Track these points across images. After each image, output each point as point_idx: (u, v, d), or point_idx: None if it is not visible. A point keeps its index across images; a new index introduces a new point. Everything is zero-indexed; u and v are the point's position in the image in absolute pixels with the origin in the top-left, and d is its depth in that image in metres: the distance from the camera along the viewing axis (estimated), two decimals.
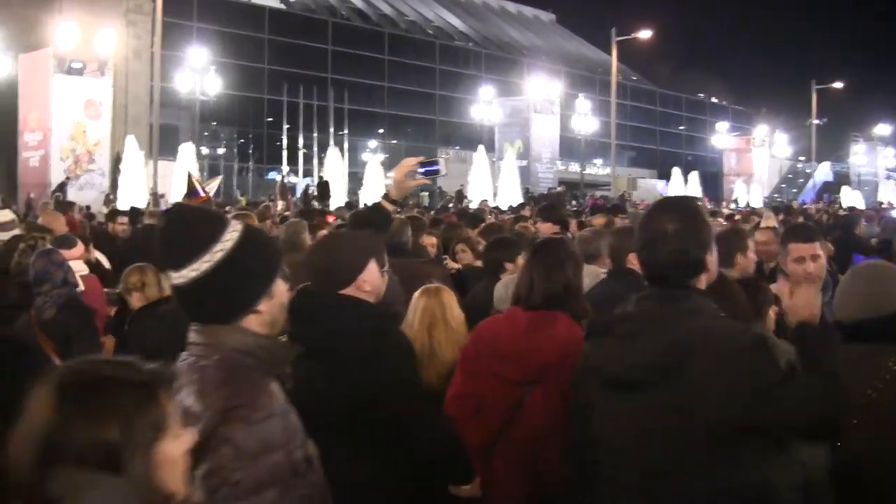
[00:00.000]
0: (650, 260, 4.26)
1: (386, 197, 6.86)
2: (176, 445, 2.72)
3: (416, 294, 7.08)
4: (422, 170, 6.79)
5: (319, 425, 3.89)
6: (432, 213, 27.72)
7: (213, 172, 63.60)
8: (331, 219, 16.63)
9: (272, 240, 4.47)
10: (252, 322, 3.66)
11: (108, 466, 2.55)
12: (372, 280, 5.27)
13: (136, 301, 9.13)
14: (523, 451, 5.91)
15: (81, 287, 9.64)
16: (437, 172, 6.86)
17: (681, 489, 3.95)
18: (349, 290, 5.19)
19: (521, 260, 7.82)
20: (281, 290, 3.81)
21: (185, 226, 3.69)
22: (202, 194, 19.32)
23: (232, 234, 3.64)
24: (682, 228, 4.19)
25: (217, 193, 13.12)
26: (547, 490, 5.79)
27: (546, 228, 12.06)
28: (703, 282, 4.26)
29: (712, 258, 4.27)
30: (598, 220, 15.50)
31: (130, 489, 2.58)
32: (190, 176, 23.03)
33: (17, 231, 12.48)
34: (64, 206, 23.22)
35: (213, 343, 3.59)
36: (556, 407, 5.62)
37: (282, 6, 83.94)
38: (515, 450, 5.94)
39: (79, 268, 10.15)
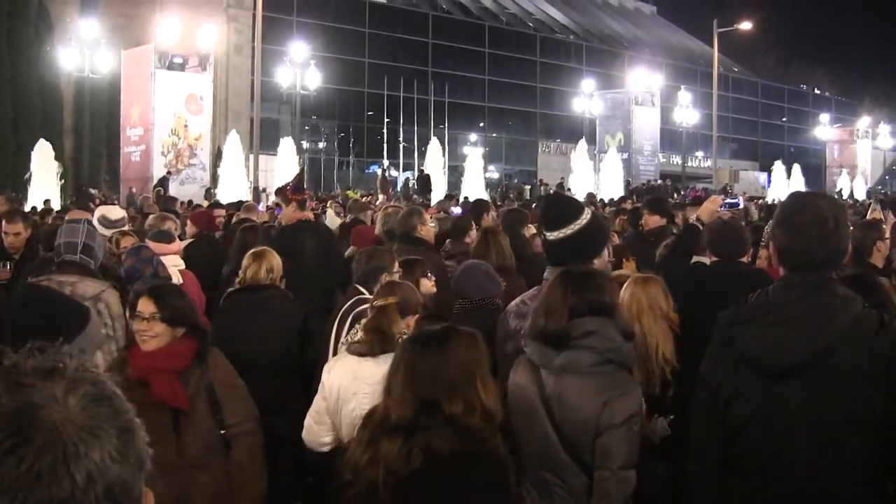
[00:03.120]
0: (797, 248, 4.31)
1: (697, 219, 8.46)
2: None
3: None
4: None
5: None
6: (533, 205, 27.56)
7: (313, 166, 64.09)
8: (432, 212, 16.81)
9: (603, 218, 7.58)
10: (595, 263, 6.15)
11: (606, 314, 5.27)
12: None
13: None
14: None
15: (179, 280, 9.63)
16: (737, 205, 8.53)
17: (833, 480, 4.09)
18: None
19: None
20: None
21: (562, 203, 6.61)
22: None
23: (587, 212, 6.30)
24: (831, 219, 4.26)
25: (301, 187, 12.95)
26: None
27: (654, 221, 12.60)
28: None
29: (850, 250, 4.70)
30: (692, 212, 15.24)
31: (617, 325, 5.28)
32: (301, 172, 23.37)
33: (126, 228, 12.65)
34: (166, 201, 23.31)
35: None
36: None
37: (382, 0, 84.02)
38: None
39: (175, 262, 10.14)
